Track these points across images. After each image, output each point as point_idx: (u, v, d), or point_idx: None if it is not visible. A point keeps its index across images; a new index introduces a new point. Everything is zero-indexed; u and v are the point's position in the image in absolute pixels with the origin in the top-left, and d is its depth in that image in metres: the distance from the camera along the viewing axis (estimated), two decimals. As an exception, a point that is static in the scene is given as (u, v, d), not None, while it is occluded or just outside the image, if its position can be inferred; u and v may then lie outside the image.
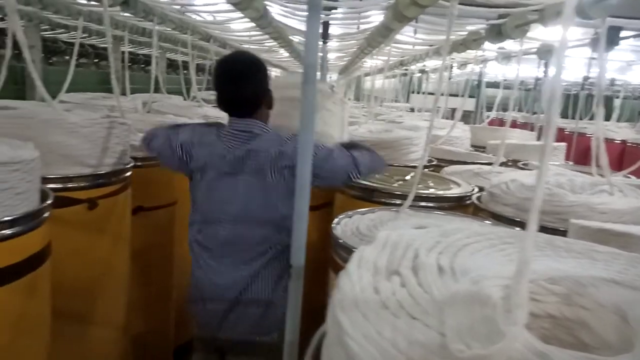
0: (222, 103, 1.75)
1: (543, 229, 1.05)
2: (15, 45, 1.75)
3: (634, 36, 2.82)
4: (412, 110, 6.96)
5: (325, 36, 3.14)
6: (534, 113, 6.78)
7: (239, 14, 2.83)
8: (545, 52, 3.23)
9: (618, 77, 7.23)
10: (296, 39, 4.27)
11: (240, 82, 1.68)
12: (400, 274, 0.70)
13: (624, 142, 6.42)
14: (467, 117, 7.40)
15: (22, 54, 1.76)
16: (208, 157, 1.70)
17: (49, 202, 1.56)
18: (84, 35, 4.65)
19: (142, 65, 7.87)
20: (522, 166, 3.22)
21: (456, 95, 6.71)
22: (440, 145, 3.46)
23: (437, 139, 3.41)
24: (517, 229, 1.54)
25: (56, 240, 1.63)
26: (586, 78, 6.04)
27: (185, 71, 5.29)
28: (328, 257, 1.69)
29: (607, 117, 6.79)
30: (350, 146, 1.88)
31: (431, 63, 5.81)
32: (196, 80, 4.28)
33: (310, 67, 1.02)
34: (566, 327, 0.72)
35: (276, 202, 1.67)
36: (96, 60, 6.86)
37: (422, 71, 6.73)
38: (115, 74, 2.40)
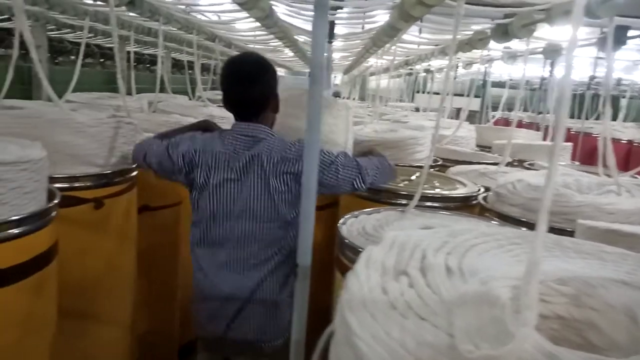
0: (228, 104, 1.74)
1: (550, 230, 1.04)
2: (22, 45, 1.75)
3: (641, 35, 2.80)
4: (417, 110, 6.96)
5: (331, 36, 3.14)
6: (540, 113, 6.76)
7: (244, 14, 2.83)
8: (551, 52, 3.22)
9: (624, 77, 7.19)
10: (301, 38, 4.27)
11: (248, 84, 1.67)
12: (408, 275, 0.70)
13: (630, 142, 6.39)
14: (472, 117, 7.38)
15: (28, 54, 1.77)
16: (212, 164, 1.68)
17: (56, 201, 1.56)
18: (90, 35, 4.67)
19: (148, 65, 7.90)
20: (528, 166, 3.22)
21: (461, 95, 6.69)
22: (445, 145, 3.46)
23: (442, 138, 3.40)
24: (524, 229, 1.54)
25: (62, 239, 1.64)
26: (592, 78, 6.01)
27: (190, 71, 5.30)
28: (333, 257, 1.69)
29: (614, 117, 6.75)
30: (360, 154, 1.86)
31: (436, 63, 5.80)
32: (201, 80, 4.28)
33: (317, 67, 1.02)
34: (575, 328, 0.72)
35: (280, 208, 1.65)
36: (102, 60, 6.89)
37: (427, 71, 6.71)
38: (121, 74, 2.41)
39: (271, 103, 1.73)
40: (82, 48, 2.98)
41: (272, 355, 1.72)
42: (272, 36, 3.78)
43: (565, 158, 3.81)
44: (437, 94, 7.02)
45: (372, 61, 5.37)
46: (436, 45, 4.04)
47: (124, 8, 2.63)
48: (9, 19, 4.17)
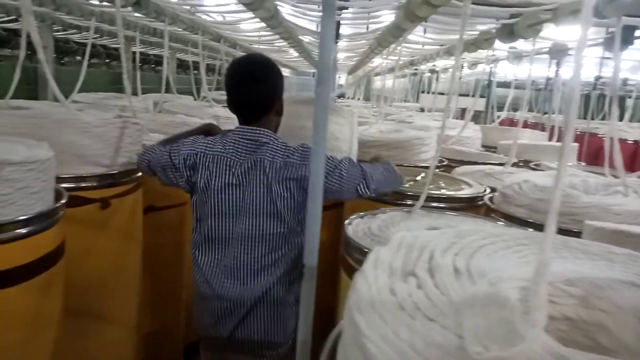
0: (232, 105, 1.71)
1: (557, 230, 1.03)
2: (28, 45, 1.76)
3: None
4: (422, 110, 6.95)
5: (337, 36, 3.13)
6: (545, 113, 6.74)
7: (249, 14, 2.83)
8: (557, 52, 3.21)
9: (631, 77, 7.16)
10: (306, 38, 4.27)
11: (251, 85, 1.64)
12: (416, 276, 0.70)
13: (636, 142, 6.36)
14: (477, 117, 7.37)
15: (34, 55, 1.78)
16: (213, 168, 1.64)
17: (63, 201, 1.57)
18: (96, 35, 4.68)
19: (153, 66, 7.91)
20: (534, 167, 3.21)
21: (466, 95, 6.68)
22: (451, 145, 3.45)
23: (448, 139, 3.40)
24: (530, 230, 1.54)
25: (69, 239, 1.64)
26: (598, 78, 5.99)
27: (195, 71, 5.31)
28: (339, 257, 1.69)
29: (620, 117, 6.72)
30: (366, 161, 1.85)
31: (441, 63, 5.79)
32: (206, 81, 4.29)
33: (325, 68, 1.02)
34: (583, 329, 0.71)
35: (284, 214, 1.62)
36: (107, 61, 6.91)
37: (432, 71, 6.70)
38: (126, 74, 2.41)
39: (275, 106, 1.69)
40: (88, 48, 2.99)
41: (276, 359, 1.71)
42: (277, 36, 3.78)
43: (572, 159, 3.80)
44: (442, 94, 7.03)
45: (377, 61, 5.36)
46: (441, 45, 4.03)
47: (129, 9, 2.64)
48: (15, 20, 4.19)
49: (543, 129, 5.25)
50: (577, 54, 0.58)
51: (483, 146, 4.22)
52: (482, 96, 6.63)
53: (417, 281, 0.69)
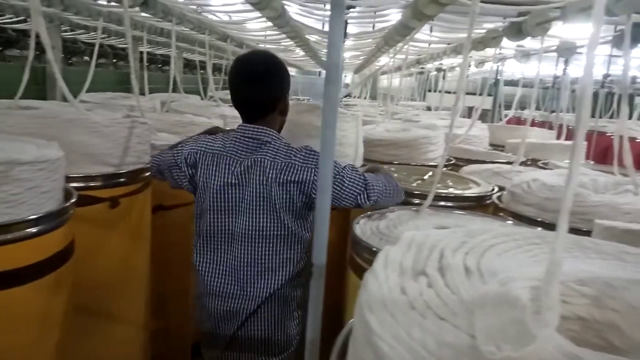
0: (235, 103, 1.68)
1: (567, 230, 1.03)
2: (36, 45, 1.77)
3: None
4: (429, 108, 6.93)
5: (344, 35, 3.13)
6: (553, 111, 6.70)
7: (255, 14, 2.84)
8: (565, 50, 3.18)
9: (639, 75, 7.11)
10: (312, 37, 4.27)
11: (255, 83, 1.60)
12: (427, 275, 0.70)
13: (645, 140, 6.30)
14: (484, 116, 7.33)
15: (42, 55, 1.79)
16: (212, 167, 1.62)
17: (72, 200, 1.57)
18: (103, 35, 4.71)
19: (160, 65, 7.95)
20: (542, 165, 3.19)
21: (473, 94, 6.65)
22: (458, 144, 3.44)
23: (455, 137, 3.39)
24: (539, 229, 1.53)
25: (78, 238, 1.65)
26: (606, 76, 5.95)
27: (202, 71, 5.33)
28: (346, 256, 1.69)
29: (629, 116, 6.66)
30: (369, 170, 1.80)
31: (448, 61, 5.77)
32: (213, 80, 4.31)
33: (333, 67, 1.02)
34: (596, 329, 0.71)
35: (284, 217, 1.58)
36: (114, 61, 6.94)
37: (439, 69, 6.68)
38: (134, 74, 2.42)
39: (279, 105, 1.65)
40: (96, 48, 3.01)
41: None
42: (283, 36, 3.79)
43: (581, 157, 3.77)
44: (449, 92, 7.00)
45: (384, 60, 5.35)
46: (448, 44, 4.01)
47: (137, 9, 2.65)
48: (24, 21, 4.22)
49: (551, 128, 5.22)
50: (588, 52, 0.58)
51: (490, 145, 4.20)
52: (489, 94, 6.59)
53: (428, 280, 0.69)
